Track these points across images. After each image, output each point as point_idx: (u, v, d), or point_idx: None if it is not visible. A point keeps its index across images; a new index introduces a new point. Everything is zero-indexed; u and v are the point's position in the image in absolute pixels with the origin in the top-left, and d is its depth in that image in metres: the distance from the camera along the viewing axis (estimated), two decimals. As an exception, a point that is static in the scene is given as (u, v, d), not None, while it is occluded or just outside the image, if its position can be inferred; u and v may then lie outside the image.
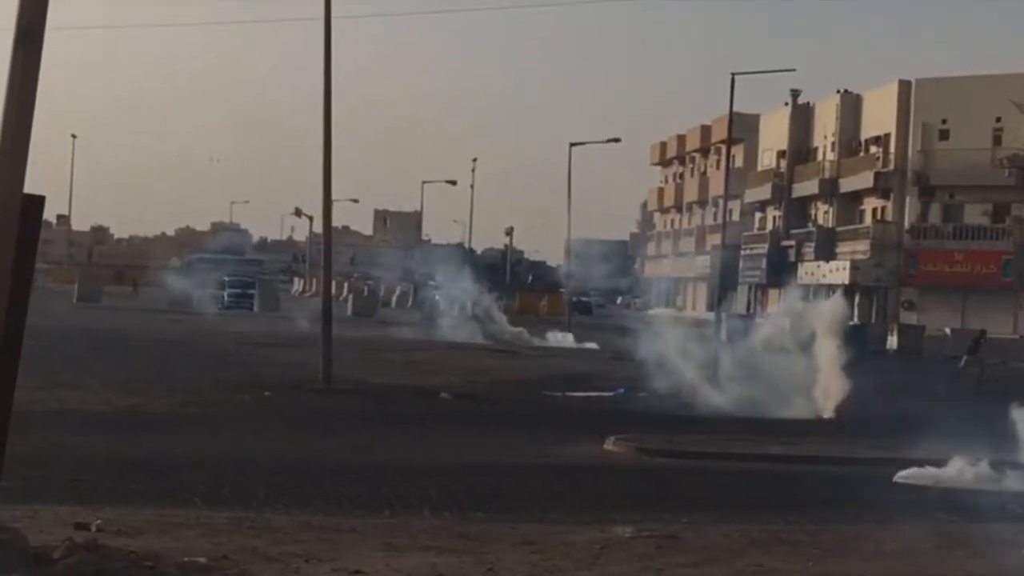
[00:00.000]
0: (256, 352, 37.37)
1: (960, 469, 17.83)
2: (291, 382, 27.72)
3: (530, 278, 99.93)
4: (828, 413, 27.25)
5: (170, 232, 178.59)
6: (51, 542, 9.53)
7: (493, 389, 30.08)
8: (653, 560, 11.37)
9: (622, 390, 31.58)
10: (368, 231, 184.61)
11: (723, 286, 42.10)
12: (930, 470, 17.74)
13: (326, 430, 21.00)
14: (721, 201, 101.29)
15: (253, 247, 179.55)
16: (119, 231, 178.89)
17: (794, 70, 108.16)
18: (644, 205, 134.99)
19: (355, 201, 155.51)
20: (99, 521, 10.88)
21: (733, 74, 40.50)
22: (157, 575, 9.13)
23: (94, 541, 9.46)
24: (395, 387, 28.82)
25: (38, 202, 8.90)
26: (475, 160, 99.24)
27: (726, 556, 11.73)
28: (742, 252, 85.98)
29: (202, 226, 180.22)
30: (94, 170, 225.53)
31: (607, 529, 12.74)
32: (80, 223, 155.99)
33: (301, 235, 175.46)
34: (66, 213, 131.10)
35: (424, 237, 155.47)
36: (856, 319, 69.75)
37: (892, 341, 54.51)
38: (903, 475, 17.60)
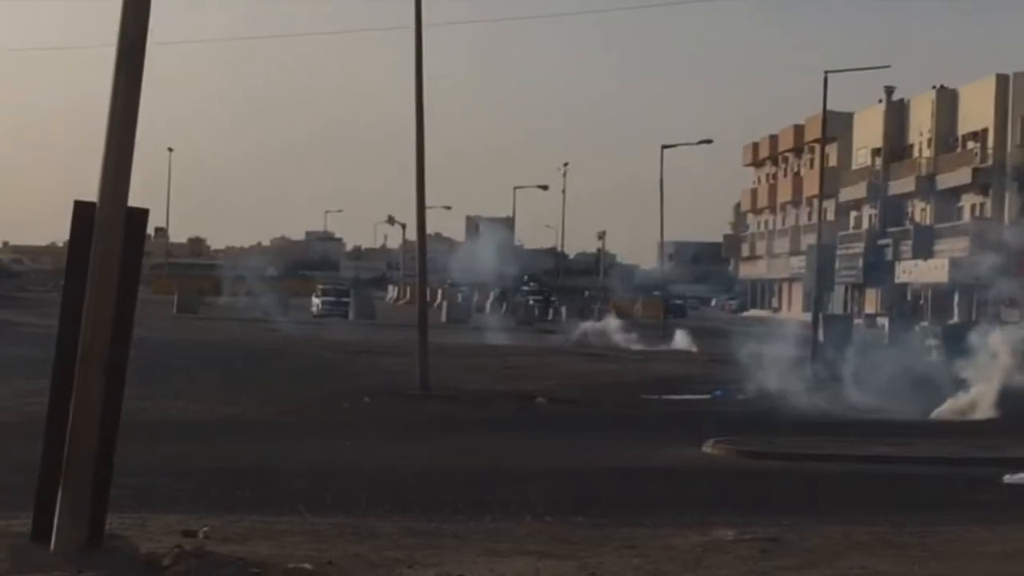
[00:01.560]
0: (353, 360, 37.65)
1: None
2: (389, 389, 27.92)
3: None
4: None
5: (265, 242, 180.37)
6: (160, 549, 9.68)
7: (589, 393, 30.07)
8: (756, 563, 11.30)
9: (720, 392, 31.43)
10: (460, 237, 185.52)
11: (820, 286, 41.59)
12: None
13: (424, 436, 21.13)
14: (815, 201, 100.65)
15: (347, 255, 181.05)
16: (215, 242, 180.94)
17: (888, 67, 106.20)
18: (737, 206, 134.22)
19: (448, 208, 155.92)
20: (206, 528, 11.03)
21: (826, 72, 40.21)
22: (263, 582, 9.23)
23: (202, 548, 9.59)
24: (491, 392, 28.91)
25: (142, 215, 9.04)
26: (566, 164, 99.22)
27: (829, 558, 11.63)
28: (837, 252, 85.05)
29: (297, 235, 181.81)
30: (191, 182, 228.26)
31: (708, 532, 12.68)
32: (177, 235, 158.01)
33: (394, 243, 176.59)
34: (164, 226, 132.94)
35: (517, 243, 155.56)
36: (956, 318, 68.95)
37: (994, 339, 53.55)
38: (1012, 477, 17.35)
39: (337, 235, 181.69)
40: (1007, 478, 17.36)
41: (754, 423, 23.95)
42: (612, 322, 61.26)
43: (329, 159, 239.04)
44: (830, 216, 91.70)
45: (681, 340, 54.03)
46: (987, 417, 26.47)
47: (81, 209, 8.88)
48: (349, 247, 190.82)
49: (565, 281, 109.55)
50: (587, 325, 59.86)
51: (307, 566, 9.93)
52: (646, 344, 52.97)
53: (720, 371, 37.64)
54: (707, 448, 19.50)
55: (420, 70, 27.98)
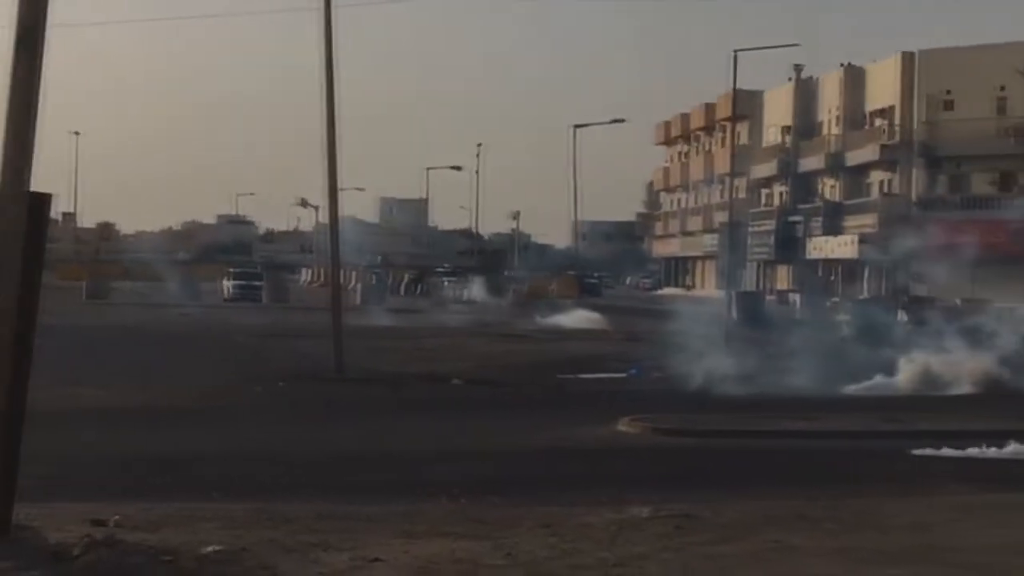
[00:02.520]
0: (267, 344, 37.43)
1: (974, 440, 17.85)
2: (303, 373, 27.78)
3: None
4: None
5: (176, 226, 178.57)
6: (69, 539, 9.54)
7: (505, 374, 30.09)
8: (671, 539, 11.36)
9: (635, 371, 31.56)
10: (374, 219, 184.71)
11: (732, 264, 41.94)
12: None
13: (340, 419, 21.04)
14: (727, 179, 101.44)
15: (259, 239, 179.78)
16: (125, 227, 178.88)
17: (797, 45, 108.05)
18: (650, 185, 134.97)
19: (361, 190, 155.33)
20: (117, 517, 10.88)
21: (735, 51, 40.51)
22: (176, 569, 9.12)
23: (113, 537, 9.46)
24: (407, 375, 28.84)
25: (44, 200, 8.89)
26: (480, 146, 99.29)
27: (743, 533, 11.71)
28: (749, 229, 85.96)
29: (208, 219, 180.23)
30: (99, 167, 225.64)
31: (624, 510, 12.72)
32: (86, 220, 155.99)
33: (307, 225, 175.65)
34: (72, 211, 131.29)
35: (431, 224, 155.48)
36: (865, 293, 69.85)
37: (902, 314, 54.35)
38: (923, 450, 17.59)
39: (249, 218, 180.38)
40: (915, 451, 17.60)
41: (670, 401, 24.10)
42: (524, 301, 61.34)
43: (240, 142, 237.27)
44: (742, 194, 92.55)
45: (595, 319, 54.19)
46: (908, 393, 26.71)
47: (-20, 195, 8.71)
48: (262, 230, 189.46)
49: (484, 262, 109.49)
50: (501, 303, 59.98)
51: (218, 550, 9.82)
52: (561, 323, 53.09)
53: (636, 350, 37.83)
54: (622, 426, 19.58)
55: (330, 50, 27.81)
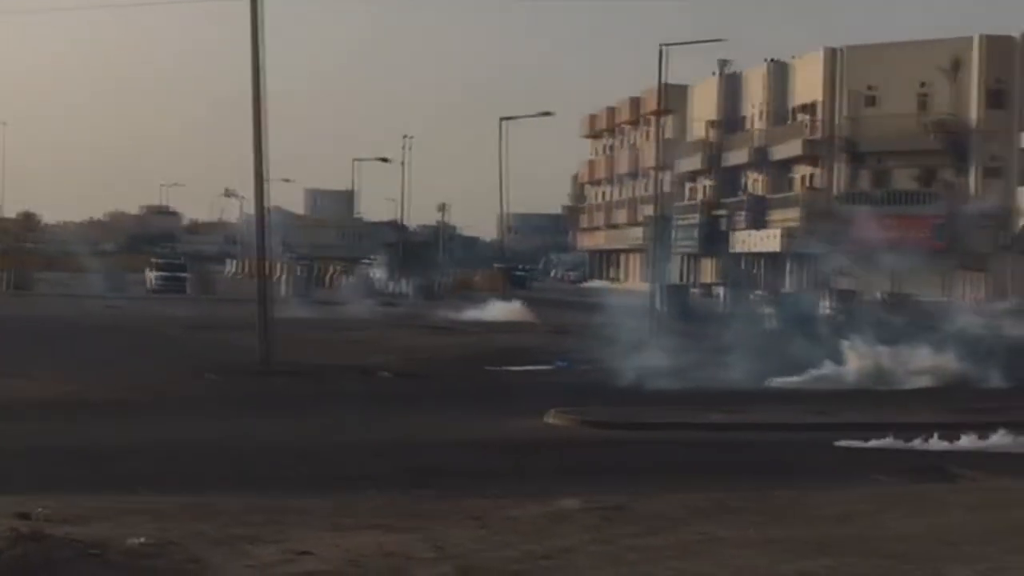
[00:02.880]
0: (194, 336, 37.19)
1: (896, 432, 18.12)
2: (231, 365, 27.60)
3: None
4: None
5: (100, 217, 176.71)
6: (-4, 533, 9.46)
7: (433, 366, 30.09)
8: (600, 532, 11.44)
9: (562, 363, 31.65)
10: (300, 210, 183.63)
11: (658, 256, 42.17)
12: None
13: (268, 412, 20.95)
14: (653, 172, 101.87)
15: (184, 230, 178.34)
16: (48, 217, 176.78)
17: (724, 40, 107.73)
18: (576, 178, 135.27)
19: (288, 181, 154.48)
20: (40, 510, 10.80)
21: (662, 45, 40.63)
22: (104, 563, 9.08)
23: (39, 531, 9.39)
24: (334, 367, 28.74)
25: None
26: (407, 137, 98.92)
27: (672, 525, 11.82)
28: (675, 222, 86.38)
29: (133, 209, 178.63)
30: (22, 156, 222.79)
31: (552, 502, 12.79)
32: (8, 210, 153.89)
33: (233, 216, 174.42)
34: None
35: (357, 215, 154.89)
36: (788, 287, 70.50)
37: (826, 307, 54.92)
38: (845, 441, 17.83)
39: (174, 209, 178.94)
40: (838, 442, 17.83)
41: (598, 394, 24.16)
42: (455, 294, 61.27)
43: (166, 132, 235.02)
44: (667, 188, 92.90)
45: (523, 311, 54.23)
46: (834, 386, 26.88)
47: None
48: (186, 221, 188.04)
49: (409, 254, 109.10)
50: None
51: (140, 542, 9.76)
52: (487, 316, 53.07)
53: (562, 342, 37.95)
54: (550, 419, 19.65)
55: (256, 41, 27.62)
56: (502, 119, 65.05)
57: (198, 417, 19.95)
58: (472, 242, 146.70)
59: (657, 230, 40.32)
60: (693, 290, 68.92)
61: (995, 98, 73.34)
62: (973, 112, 73.55)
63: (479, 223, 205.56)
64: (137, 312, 49.81)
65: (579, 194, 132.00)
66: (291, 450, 16.47)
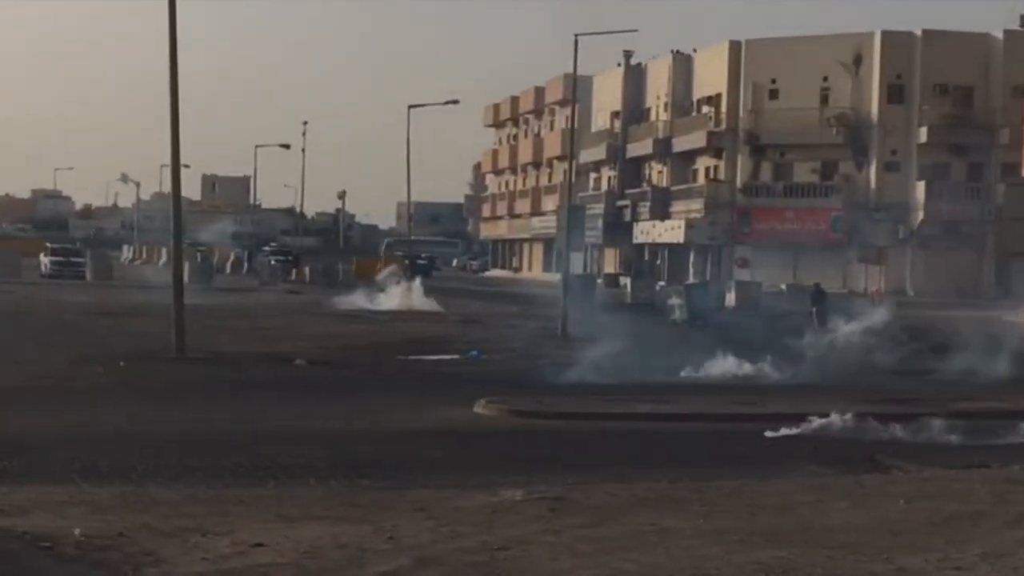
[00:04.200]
0: (98, 322, 36.55)
1: (825, 423, 18.25)
2: (142, 352, 27.17)
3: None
4: None
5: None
6: (-63, 526, 9.15)
7: (346, 354, 29.84)
8: (548, 522, 11.36)
9: (475, 352, 31.54)
10: (196, 196, 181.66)
11: (570, 247, 42.16)
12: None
13: (188, 400, 20.59)
14: (555, 162, 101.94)
15: (76, 214, 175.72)
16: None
17: (636, 31, 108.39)
18: (477, 167, 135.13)
19: (186, 167, 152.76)
20: (-21, 502, 10.50)
21: (576, 35, 40.55)
22: (56, 556, 8.82)
23: (-14, 523, 9.10)
24: (248, 355, 28.41)
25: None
26: (306, 123, 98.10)
27: (618, 515, 11.77)
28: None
29: (23, 193, 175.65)
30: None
31: (495, 492, 12.70)
32: None
33: (126, 201, 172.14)
34: None
35: (254, 202, 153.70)
36: (692, 278, 70.94)
37: (730, 298, 55.37)
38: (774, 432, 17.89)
39: (65, 193, 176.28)
40: (769, 433, 17.89)
41: (514, 383, 24.06)
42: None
43: (59, 116, 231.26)
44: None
45: (427, 300, 53.92)
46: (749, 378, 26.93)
47: None
48: (79, 206, 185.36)
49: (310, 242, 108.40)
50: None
51: (82, 533, 9.49)
52: (392, 303, 52.72)
53: (471, 331, 37.87)
54: (478, 408, 19.53)
55: (174, 28, 27.16)
56: (410, 107, 64.61)
57: (117, 406, 19.53)
58: (371, 230, 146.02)
59: (571, 219, 40.15)
60: (598, 280, 69.08)
61: (894, 93, 74.35)
62: (873, 107, 74.51)
63: (377, 211, 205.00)
64: (36, 297, 48.84)
65: (480, 183, 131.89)
66: (219, 439, 16.18)
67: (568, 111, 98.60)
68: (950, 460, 16.12)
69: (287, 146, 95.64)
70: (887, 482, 14.37)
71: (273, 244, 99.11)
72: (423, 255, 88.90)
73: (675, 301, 46.56)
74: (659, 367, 27.21)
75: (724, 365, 27.29)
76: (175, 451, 14.96)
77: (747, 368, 26.96)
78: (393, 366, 28.39)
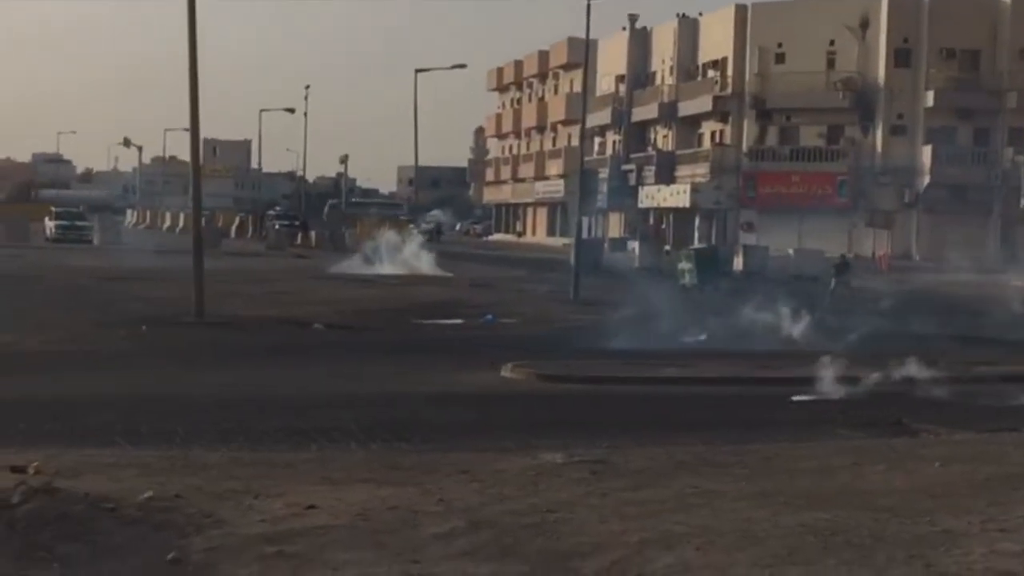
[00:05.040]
0: (113, 287, 36.61)
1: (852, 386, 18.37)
2: (162, 317, 27.24)
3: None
4: None
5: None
6: (1, 486, 9.24)
7: (362, 318, 29.91)
8: (591, 485, 11.45)
9: (489, 317, 31.64)
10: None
11: (582, 211, 42.16)
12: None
13: (213, 364, 20.70)
14: (560, 127, 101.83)
15: (77, 179, 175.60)
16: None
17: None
18: (478, 131, 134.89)
19: (188, 130, 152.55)
20: (36, 463, 10.57)
21: (588, -1, 40.43)
22: (120, 517, 8.91)
23: (49, 484, 9.19)
24: (266, 319, 28.52)
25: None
26: (308, 88, 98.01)
27: (659, 479, 11.86)
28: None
29: (23, 157, 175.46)
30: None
31: (535, 456, 12.79)
32: None
33: (126, 165, 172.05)
34: None
35: (255, 166, 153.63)
36: (697, 241, 70.96)
37: (738, 262, 55.47)
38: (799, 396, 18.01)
39: (66, 158, 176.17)
40: (795, 397, 18.01)
41: (533, 347, 24.14)
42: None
43: (56, 78, 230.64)
44: (575, 142, 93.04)
45: (435, 264, 54.00)
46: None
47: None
48: (80, 170, 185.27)
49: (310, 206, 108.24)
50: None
51: (147, 495, 9.61)
52: (400, 268, 52.78)
53: (482, 295, 37.96)
54: (506, 372, 19.63)
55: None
56: (416, 71, 64.61)
57: (145, 369, 19.65)
58: (372, 194, 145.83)
59: (583, 184, 40.17)
60: (604, 245, 69.06)
61: (901, 57, 74.22)
62: (880, 70, 74.40)
63: (377, 175, 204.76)
64: (42, 261, 48.89)
65: (481, 147, 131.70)
66: (252, 402, 16.28)
67: (572, 75, 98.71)
68: (977, 424, 16.25)
69: (292, 110, 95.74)
70: (919, 445, 14.48)
71: (278, 208, 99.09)
72: (428, 220, 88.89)
73: (684, 265, 46.64)
74: (670, 332, 27.14)
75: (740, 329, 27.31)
76: (212, 414, 15.06)
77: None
78: (409, 330, 28.50)
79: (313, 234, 75.83)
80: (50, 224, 73.01)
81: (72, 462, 11.27)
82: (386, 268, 52.72)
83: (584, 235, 76.25)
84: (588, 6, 39.43)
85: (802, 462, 13.02)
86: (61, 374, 18.74)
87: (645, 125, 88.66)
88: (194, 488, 10.43)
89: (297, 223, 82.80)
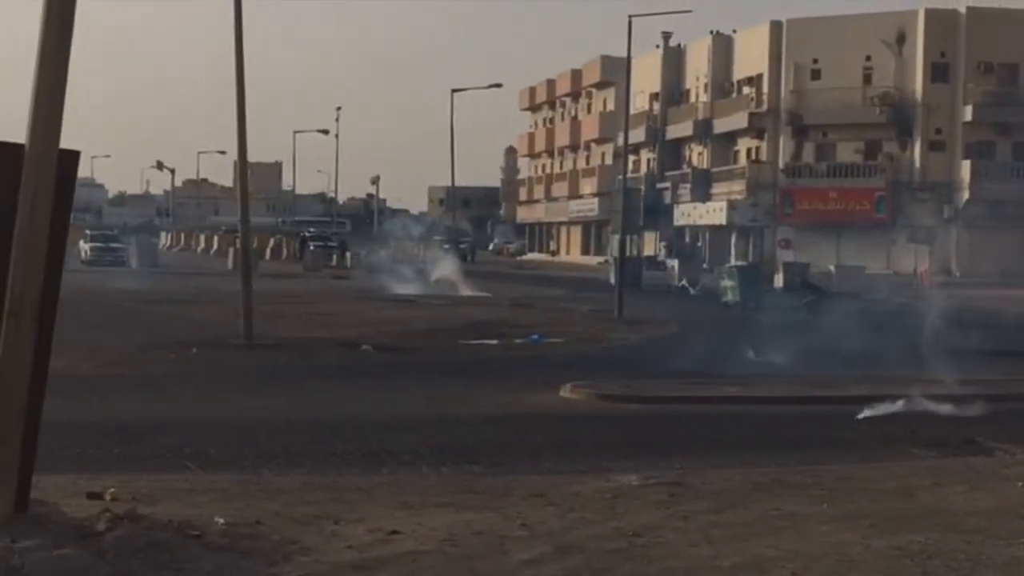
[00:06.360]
0: (157, 309, 36.57)
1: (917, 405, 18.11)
2: (210, 339, 27.13)
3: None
4: None
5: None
6: (86, 514, 9.09)
7: (409, 340, 29.75)
8: (671, 508, 11.25)
9: (536, 336, 31.47)
10: (228, 183, 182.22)
11: (625, 230, 41.95)
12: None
13: (268, 387, 20.54)
14: (593, 145, 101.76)
15: (109, 202, 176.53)
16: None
17: (690, 11, 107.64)
18: (508, 151, 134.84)
19: (223, 153, 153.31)
20: (112, 489, 10.43)
21: (630, 16, 40.44)
22: (206, 544, 8.75)
23: (133, 511, 9.03)
24: (314, 341, 28.40)
25: (73, 157, 8.45)
26: (339, 109, 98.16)
27: (739, 501, 11.64)
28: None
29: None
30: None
31: (610, 478, 12.61)
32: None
33: (157, 188, 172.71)
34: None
35: (286, 188, 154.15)
36: (734, 259, 70.66)
37: (778, 279, 55.19)
38: (865, 413, 17.76)
39: (99, 181, 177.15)
40: (861, 415, 17.76)
41: (586, 366, 23.94)
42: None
43: (92, 103, 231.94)
44: (608, 160, 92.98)
45: (472, 285, 53.92)
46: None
47: (7, 151, 8.21)
48: (112, 193, 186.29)
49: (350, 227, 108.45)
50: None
51: (225, 521, 9.46)
52: (440, 289, 52.71)
53: (525, 315, 37.77)
54: (564, 392, 19.42)
55: (240, 23, 27.06)
56: (453, 91, 64.64)
57: (200, 392, 19.53)
58: (402, 216, 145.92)
59: (626, 202, 40.01)
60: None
61: (939, 72, 73.89)
62: (917, 85, 74.07)
63: (408, 196, 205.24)
64: (81, 284, 48.80)
65: (512, 167, 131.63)
66: (315, 425, 16.13)
67: (604, 93, 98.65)
68: (1049, 442, 15.96)
69: (326, 132, 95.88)
70: (998, 464, 14.21)
71: (312, 230, 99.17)
72: (463, 240, 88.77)
73: (727, 283, 46.37)
74: (722, 351, 26.72)
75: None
76: (277, 438, 14.90)
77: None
78: (456, 350, 28.34)
79: (348, 255, 75.86)
80: (85, 247, 73.28)
81: (146, 488, 11.12)
82: (425, 288, 52.66)
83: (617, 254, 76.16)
84: (630, 21, 39.31)
85: (881, 483, 12.79)
86: (117, 398, 18.63)
87: (680, 143, 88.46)
88: (272, 513, 10.26)
89: (332, 244, 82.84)
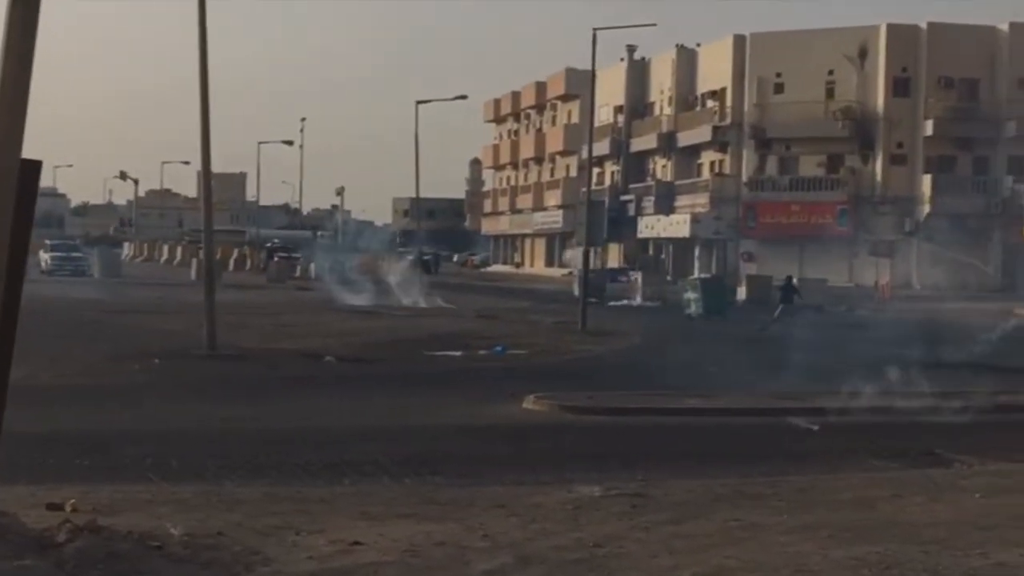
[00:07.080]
0: (120, 320, 36.43)
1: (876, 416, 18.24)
2: (173, 350, 27.03)
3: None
4: None
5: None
6: (46, 525, 9.07)
7: (372, 351, 29.72)
8: (633, 519, 11.30)
9: (500, 348, 31.50)
10: (191, 193, 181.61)
11: (589, 242, 42.03)
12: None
13: (231, 397, 20.50)
14: (558, 157, 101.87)
15: (72, 212, 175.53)
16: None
17: (654, 25, 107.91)
18: (473, 162, 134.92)
19: (186, 163, 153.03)
20: (72, 500, 10.40)
21: (595, 29, 40.50)
22: (167, 555, 8.74)
23: (94, 522, 9.02)
24: (277, 352, 28.34)
25: (34, 167, 8.44)
26: (303, 120, 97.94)
27: (700, 511, 11.71)
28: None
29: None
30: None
31: (573, 489, 12.65)
32: None
33: (120, 199, 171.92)
34: None
35: (250, 198, 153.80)
36: (698, 272, 70.88)
37: (741, 292, 55.45)
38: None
39: (60, 191, 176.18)
40: (816, 427, 17.88)
41: (549, 378, 23.93)
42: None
43: (57, 114, 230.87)
44: (573, 172, 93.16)
45: (436, 296, 53.88)
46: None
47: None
48: (74, 203, 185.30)
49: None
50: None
51: (186, 533, 9.44)
52: (403, 300, 52.62)
53: (490, 327, 37.77)
54: (528, 404, 19.44)
55: (204, 21, 27.04)
56: (417, 102, 64.62)
57: (163, 402, 19.46)
58: (366, 227, 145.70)
59: (591, 214, 40.11)
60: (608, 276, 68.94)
61: (900, 86, 74.39)
62: (879, 100, 74.54)
63: (372, 207, 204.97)
64: (41, 294, 48.53)
65: (477, 179, 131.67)
66: (278, 436, 16.10)
67: (569, 106, 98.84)
68: (1009, 454, 16.09)
69: (290, 143, 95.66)
70: (956, 476, 14.33)
71: (275, 240, 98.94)
72: (427, 253, 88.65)
73: (691, 295, 46.53)
74: (684, 362, 26.88)
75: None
76: (239, 448, 14.88)
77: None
78: (421, 361, 28.33)
79: (312, 266, 75.60)
80: (45, 256, 72.86)
81: (107, 499, 11.10)
82: (389, 300, 52.54)
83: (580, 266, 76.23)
84: (595, 35, 39.39)
85: (840, 493, 12.88)
86: (79, 408, 18.56)
87: (644, 155, 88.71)
88: (234, 524, 10.26)
89: (296, 256, 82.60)
